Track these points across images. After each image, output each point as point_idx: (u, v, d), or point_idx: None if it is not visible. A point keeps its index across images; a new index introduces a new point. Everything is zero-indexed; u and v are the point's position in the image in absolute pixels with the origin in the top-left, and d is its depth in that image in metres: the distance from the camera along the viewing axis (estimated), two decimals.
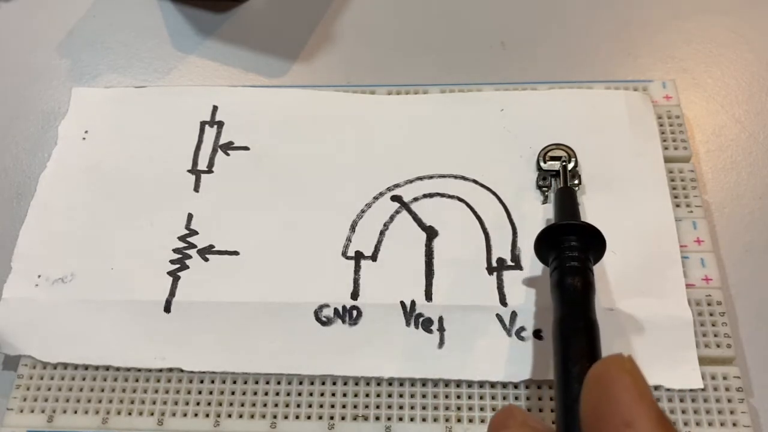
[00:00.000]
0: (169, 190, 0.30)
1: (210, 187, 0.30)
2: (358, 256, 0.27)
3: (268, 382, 0.25)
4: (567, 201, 0.26)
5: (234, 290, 0.27)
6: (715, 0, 0.36)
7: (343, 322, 0.26)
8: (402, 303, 0.26)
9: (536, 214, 0.28)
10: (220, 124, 0.31)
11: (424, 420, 0.24)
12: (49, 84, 0.35)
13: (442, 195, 0.29)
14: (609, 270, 0.26)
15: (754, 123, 0.32)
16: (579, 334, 0.22)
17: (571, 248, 0.24)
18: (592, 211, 0.28)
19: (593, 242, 0.24)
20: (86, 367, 0.26)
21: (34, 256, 0.28)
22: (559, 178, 0.28)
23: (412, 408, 0.25)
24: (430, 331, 0.26)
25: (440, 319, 0.26)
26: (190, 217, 0.29)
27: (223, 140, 0.31)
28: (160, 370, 0.26)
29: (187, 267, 0.28)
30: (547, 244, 0.24)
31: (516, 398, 0.24)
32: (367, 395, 0.25)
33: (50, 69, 0.36)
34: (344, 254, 0.27)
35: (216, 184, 0.30)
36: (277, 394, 0.25)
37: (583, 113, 0.30)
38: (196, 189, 0.30)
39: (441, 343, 0.25)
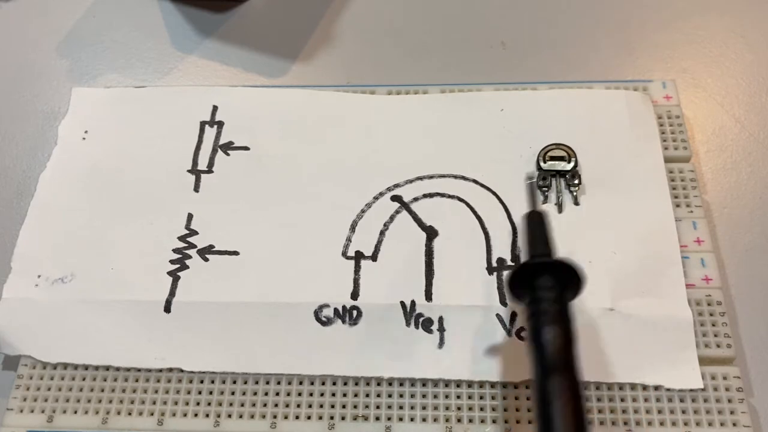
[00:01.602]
0: (169, 190, 0.30)
1: (210, 187, 0.30)
2: (358, 256, 0.27)
3: (268, 382, 0.25)
4: (538, 229, 0.23)
5: (234, 290, 0.27)
6: (715, 0, 0.36)
7: (343, 322, 0.26)
8: (402, 303, 0.26)
9: None
10: (220, 124, 0.31)
11: (424, 420, 0.24)
12: (49, 84, 0.35)
13: (442, 195, 0.29)
14: (609, 270, 0.26)
15: (754, 123, 0.32)
16: (563, 397, 0.19)
17: (547, 288, 0.21)
18: (592, 211, 0.28)
19: (571, 278, 0.22)
20: (86, 367, 0.26)
21: (34, 256, 0.28)
22: (558, 183, 0.27)
23: (412, 408, 0.25)
24: (430, 331, 0.26)
25: (440, 319, 0.26)
26: (190, 217, 0.29)
27: (223, 140, 0.31)
28: (160, 370, 0.26)
29: (187, 267, 0.28)
30: (519, 284, 0.22)
31: (516, 398, 0.24)
32: (367, 395, 0.25)
33: (50, 69, 0.36)
34: (344, 254, 0.27)
35: (216, 184, 0.30)
36: (277, 394, 0.25)
37: (583, 113, 0.30)
38: (196, 189, 0.30)
39: (441, 343, 0.25)
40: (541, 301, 0.21)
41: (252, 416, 0.25)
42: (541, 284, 0.21)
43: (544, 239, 0.23)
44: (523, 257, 0.23)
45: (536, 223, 0.24)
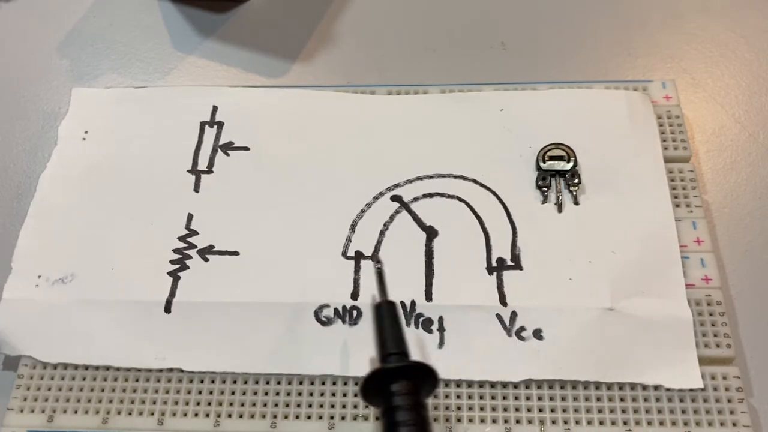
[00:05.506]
0: (169, 190, 0.30)
1: (210, 187, 0.30)
2: (358, 256, 0.27)
3: (268, 382, 0.25)
4: (390, 323, 0.22)
5: (234, 290, 0.27)
6: (715, 0, 0.36)
7: (344, 322, 0.26)
8: (402, 303, 0.26)
9: (536, 214, 0.28)
10: (220, 124, 0.31)
11: None
12: (49, 84, 0.35)
13: (442, 195, 0.29)
14: (609, 270, 0.26)
15: (754, 123, 0.32)
16: None
17: (402, 394, 0.20)
18: (591, 210, 0.28)
19: (426, 377, 0.21)
20: (86, 367, 0.26)
21: (34, 256, 0.28)
22: (558, 182, 0.28)
23: None
24: (430, 331, 0.26)
25: (440, 319, 0.26)
26: (190, 217, 0.29)
27: (223, 140, 0.31)
28: (160, 370, 0.26)
29: (188, 267, 0.28)
30: (373, 390, 0.21)
31: (516, 398, 0.24)
32: None
33: (50, 69, 0.36)
34: (344, 254, 0.27)
35: (216, 185, 0.30)
36: (277, 394, 0.25)
37: (583, 113, 0.30)
38: (196, 189, 0.30)
39: (441, 343, 0.25)
40: (397, 409, 0.20)
41: (252, 416, 0.25)
42: (396, 390, 0.20)
43: (396, 335, 0.22)
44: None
45: (386, 316, 0.23)
